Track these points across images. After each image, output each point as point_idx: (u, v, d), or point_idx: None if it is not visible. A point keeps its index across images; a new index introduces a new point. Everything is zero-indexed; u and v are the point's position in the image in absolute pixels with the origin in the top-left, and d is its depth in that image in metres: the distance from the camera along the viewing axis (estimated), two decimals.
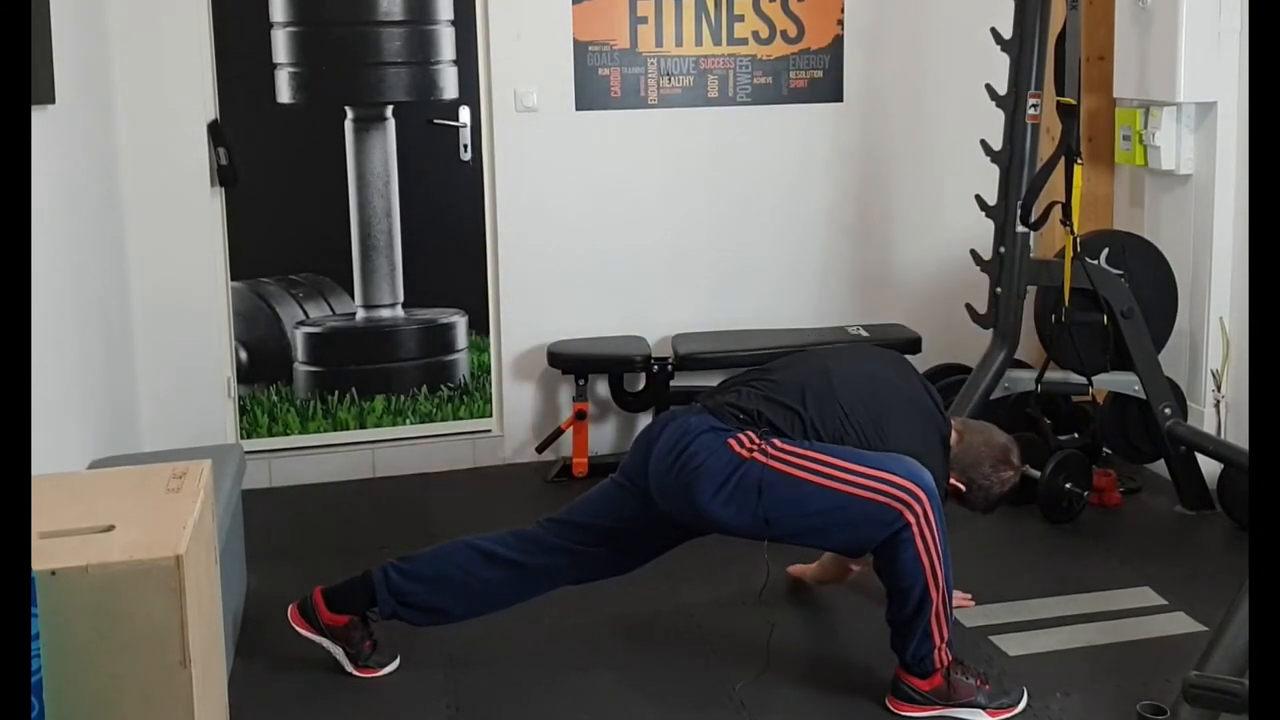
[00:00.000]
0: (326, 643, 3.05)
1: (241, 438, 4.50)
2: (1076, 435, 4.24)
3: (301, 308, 4.53)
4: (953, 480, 2.98)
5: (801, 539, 2.88)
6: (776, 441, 2.80)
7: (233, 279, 4.45)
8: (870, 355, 3.22)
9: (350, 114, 4.48)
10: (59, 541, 1.97)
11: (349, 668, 3.06)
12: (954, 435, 3.01)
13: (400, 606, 3.02)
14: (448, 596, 3.04)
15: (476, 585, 3.03)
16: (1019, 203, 3.98)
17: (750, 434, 2.81)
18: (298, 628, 3.06)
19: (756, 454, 2.78)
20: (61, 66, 3.20)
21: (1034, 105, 3.97)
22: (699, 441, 2.81)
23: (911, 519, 2.73)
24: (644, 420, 4.60)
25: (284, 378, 4.55)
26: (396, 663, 3.11)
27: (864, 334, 4.68)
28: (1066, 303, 3.99)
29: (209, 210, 4.36)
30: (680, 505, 2.85)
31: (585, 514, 3.05)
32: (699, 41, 4.68)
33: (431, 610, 3.05)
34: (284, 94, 4.41)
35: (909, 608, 2.79)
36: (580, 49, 4.58)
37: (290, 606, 3.09)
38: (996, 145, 4.08)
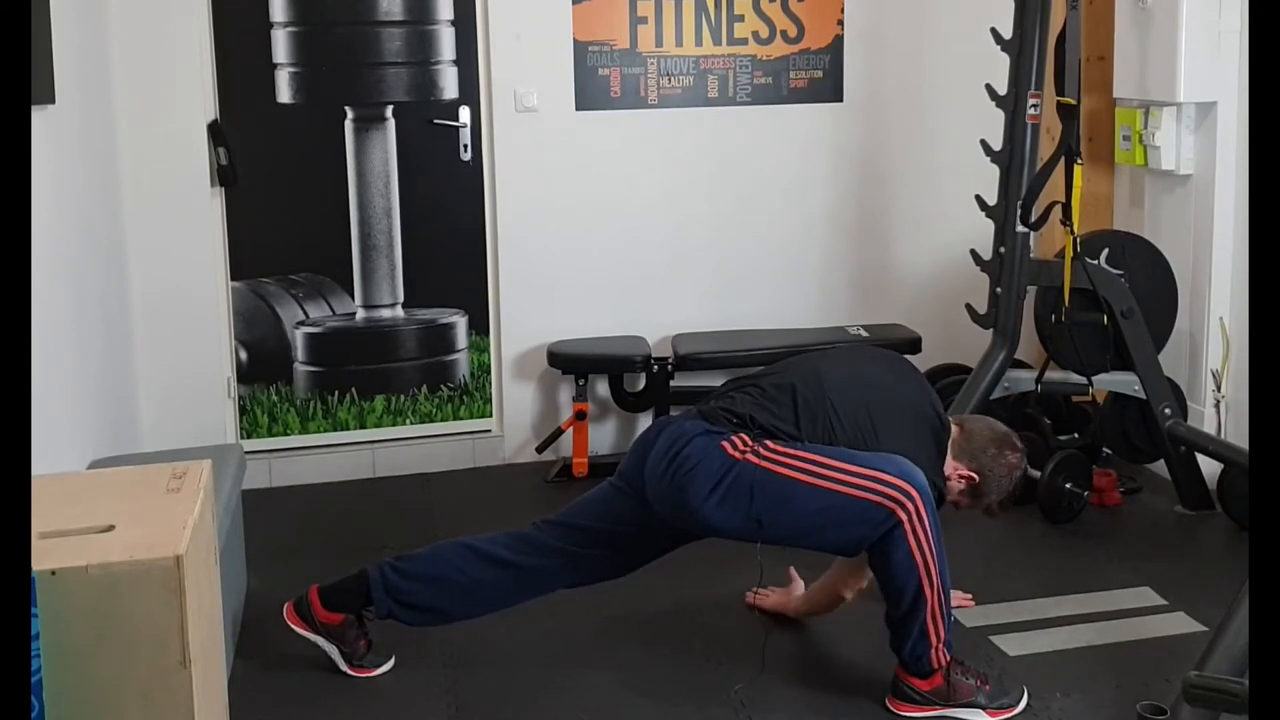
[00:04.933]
0: (321, 641, 3.06)
1: (241, 438, 4.51)
2: (1076, 435, 4.24)
3: (301, 308, 4.53)
4: (966, 470, 2.97)
5: (794, 540, 2.88)
6: (769, 443, 2.80)
7: (233, 279, 4.45)
8: (866, 357, 3.21)
9: (350, 114, 4.48)
10: (59, 541, 1.97)
11: (344, 667, 3.06)
12: (955, 430, 3.01)
13: (396, 606, 3.02)
14: (443, 597, 3.04)
15: (472, 586, 3.03)
16: (1019, 203, 3.98)
17: (743, 436, 2.81)
18: (293, 626, 3.06)
19: (749, 456, 2.78)
20: (61, 66, 3.20)
21: (1034, 105, 3.97)
22: (692, 445, 2.81)
23: (904, 517, 2.73)
24: (644, 420, 4.61)
25: (284, 378, 4.55)
26: (391, 663, 3.11)
27: (864, 334, 4.68)
28: (1066, 303, 3.99)
29: (209, 210, 4.36)
30: (675, 508, 2.85)
31: (581, 516, 3.05)
32: (699, 41, 4.68)
33: (427, 610, 3.05)
34: (284, 94, 4.41)
35: (904, 607, 2.80)
36: (580, 49, 4.58)
37: (286, 605, 3.09)
38: (996, 145, 4.08)
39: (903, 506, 2.73)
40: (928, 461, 2.87)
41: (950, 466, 2.97)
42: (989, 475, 2.99)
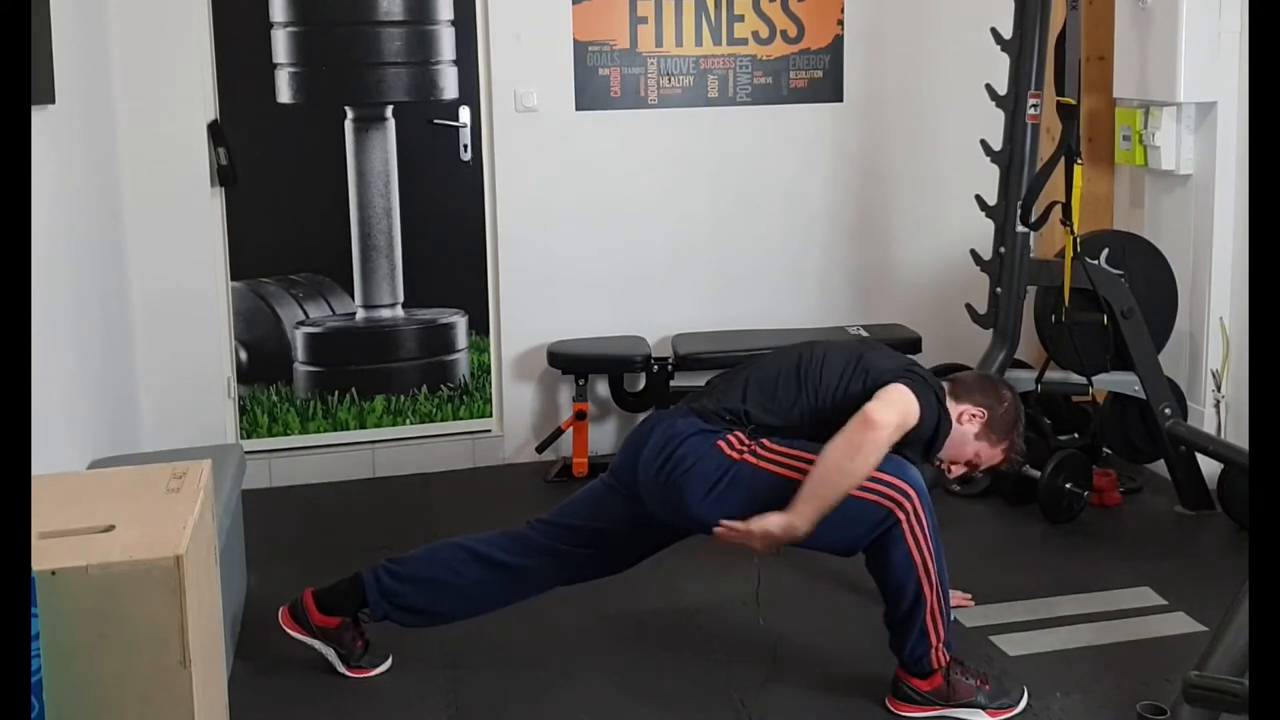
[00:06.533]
0: (318, 644, 3.05)
1: (241, 438, 4.50)
2: (1076, 435, 4.24)
3: (301, 308, 4.53)
4: (972, 408, 2.96)
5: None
6: (766, 441, 2.80)
7: (233, 279, 4.45)
8: (851, 341, 3.23)
9: (350, 114, 4.48)
10: (59, 541, 1.97)
11: (341, 668, 3.06)
12: (947, 386, 3.01)
13: (391, 608, 3.02)
14: (439, 598, 3.03)
15: (467, 587, 3.03)
16: (1019, 203, 3.98)
17: (739, 435, 2.81)
18: (289, 630, 3.05)
19: (747, 455, 2.78)
20: (61, 66, 3.20)
21: (1034, 105, 3.97)
22: (688, 444, 2.80)
23: (901, 516, 2.73)
24: None
25: (284, 378, 4.55)
26: (389, 663, 3.11)
27: (864, 334, 4.67)
28: (1066, 303, 3.99)
29: (209, 210, 4.36)
30: (670, 508, 2.85)
31: (573, 515, 3.05)
32: (699, 41, 4.68)
33: (422, 612, 3.05)
34: (284, 94, 4.41)
35: (903, 607, 2.80)
36: (580, 49, 4.58)
37: (281, 609, 3.08)
38: (996, 145, 4.08)
39: (900, 506, 2.73)
40: (928, 396, 2.84)
41: (956, 410, 2.95)
42: (992, 411, 2.98)
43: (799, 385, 2.87)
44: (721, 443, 2.80)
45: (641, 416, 4.62)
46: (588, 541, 3.03)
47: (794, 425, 2.85)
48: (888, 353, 3.00)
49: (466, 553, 3.03)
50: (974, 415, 2.97)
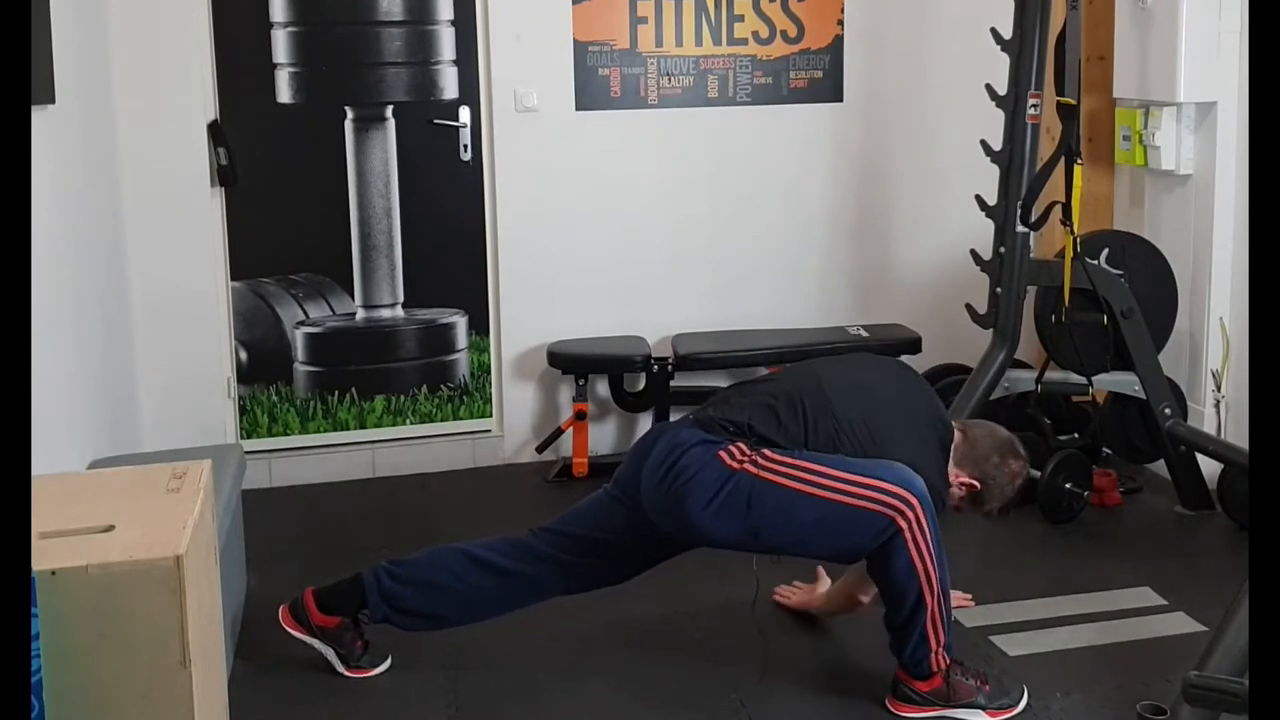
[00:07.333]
0: (317, 643, 3.05)
1: (241, 438, 4.50)
2: (1076, 435, 4.24)
3: (301, 308, 4.53)
4: (967, 478, 2.94)
5: (793, 549, 2.88)
6: (767, 452, 2.79)
7: (233, 279, 4.44)
8: (867, 363, 3.21)
9: (350, 114, 4.47)
10: (59, 541, 1.97)
11: (340, 668, 3.06)
12: (958, 436, 2.99)
13: (391, 611, 3.02)
14: (438, 601, 3.03)
15: (467, 591, 3.02)
16: (1019, 203, 3.98)
17: (741, 445, 2.80)
18: (288, 628, 3.05)
19: (747, 465, 2.77)
20: (61, 66, 3.20)
21: (1034, 105, 3.97)
22: (689, 455, 2.80)
23: (904, 525, 2.72)
24: (644, 420, 4.61)
25: (284, 378, 4.55)
26: (388, 663, 3.10)
27: (864, 334, 4.68)
28: (1066, 303, 3.99)
29: (209, 210, 4.36)
30: (671, 518, 2.84)
31: (577, 524, 3.04)
32: (699, 41, 4.68)
33: (422, 615, 3.05)
34: (284, 94, 4.41)
35: (904, 612, 2.79)
36: (580, 49, 4.58)
37: (281, 607, 3.08)
38: (996, 145, 4.08)
39: (902, 514, 2.72)
40: (932, 467, 2.85)
41: (951, 473, 2.94)
42: (991, 483, 2.96)
43: (807, 431, 2.85)
44: (723, 453, 2.79)
45: (642, 416, 4.64)
46: (590, 551, 3.02)
47: (796, 445, 2.85)
48: (903, 419, 2.93)
49: (467, 557, 3.03)
50: (965, 484, 2.95)
